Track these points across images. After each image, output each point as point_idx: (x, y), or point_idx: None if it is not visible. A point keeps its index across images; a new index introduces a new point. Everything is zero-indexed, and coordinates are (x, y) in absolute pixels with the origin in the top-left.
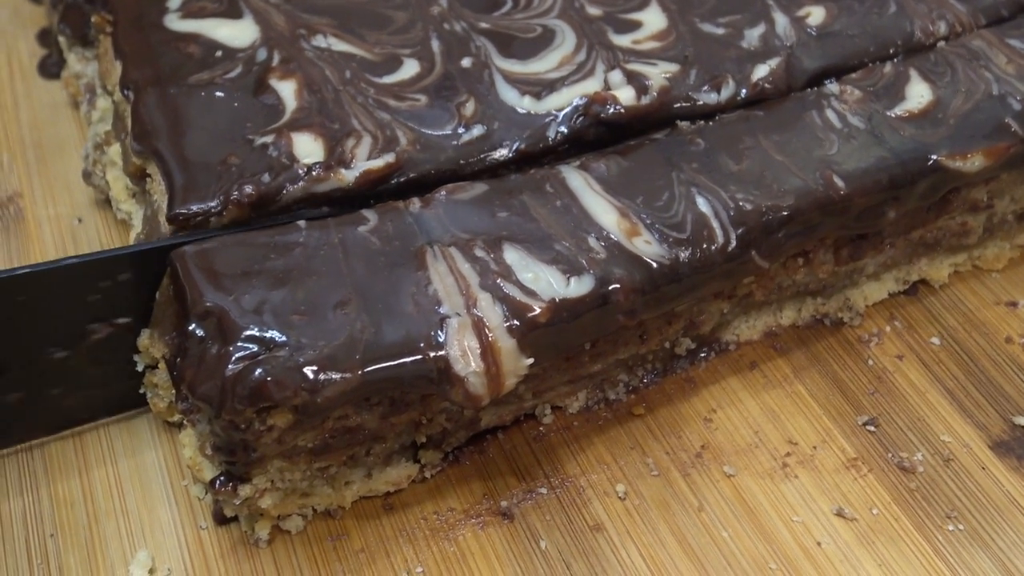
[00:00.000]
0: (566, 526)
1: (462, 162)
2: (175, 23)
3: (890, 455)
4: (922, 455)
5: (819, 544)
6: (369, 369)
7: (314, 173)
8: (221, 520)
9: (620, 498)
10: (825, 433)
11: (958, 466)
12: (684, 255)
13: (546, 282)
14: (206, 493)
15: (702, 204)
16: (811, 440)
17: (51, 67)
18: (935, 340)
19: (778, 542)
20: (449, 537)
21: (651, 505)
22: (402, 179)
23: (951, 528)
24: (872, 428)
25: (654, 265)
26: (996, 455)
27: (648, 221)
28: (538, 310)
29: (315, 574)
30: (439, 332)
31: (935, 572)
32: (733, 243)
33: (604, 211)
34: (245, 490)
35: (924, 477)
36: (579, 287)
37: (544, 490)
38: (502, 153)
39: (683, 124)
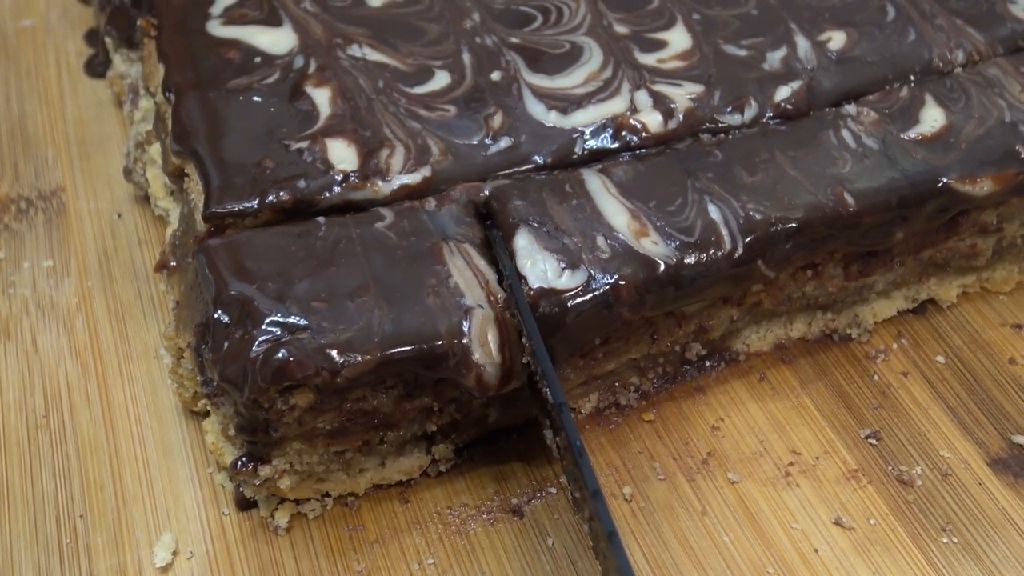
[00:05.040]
0: (573, 525)
1: (489, 176)
2: (217, 29)
3: (890, 468)
4: (921, 469)
5: (816, 551)
6: (388, 352)
7: (351, 181)
8: (243, 506)
9: (626, 500)
10: (828, 444)
11: (956, 481)
12: (690, 258)
13: (540, 271)
14: (229, 478)
15: (713, 211)
16: (814, 451)
17: (97, 67)
18: (940, 358)
19: (777, 548)
20: (460, 531)
21: (656, 508)
22: (435, 193)
23: (945, 540)
24: (874, 441)
25: (660, 264)
26: (993, 472)
27: (658, 223)
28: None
29: (331, 561)
30: (463, 321)
31: None
32: (740, 250)
33: (616, 212)
34: (265, 471)
35: (922, 490)
36: (571, 280)
37: (554, 490)
38: (529, 167)
39: (704, 136)
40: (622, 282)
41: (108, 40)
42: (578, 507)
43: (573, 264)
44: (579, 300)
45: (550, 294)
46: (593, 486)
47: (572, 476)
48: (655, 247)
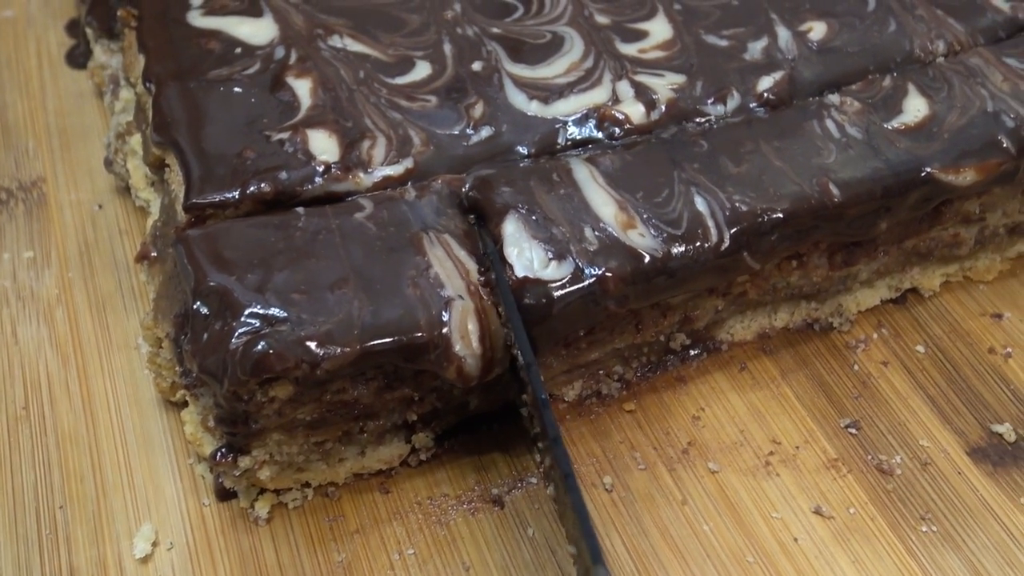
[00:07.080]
0: (553, 515)
1: (471, 167)
2: (197, 20)
3: (870, 457)
4: (901, 458)
5: (796, 540)
6: (368, 344)
7: (332, 172)
8: (223, 497)
9: (607, 490)
10: (808, 434)
11: (935, 470)
12: (677, 250)
13: (527, 259)
14: (210, 469)
15: (700, 203)
16: (794, 440)
17: (78, 57)
18: (920, 348)
19: (756, 537)
20: (441, 521)
21: (636, 497)
22: (416, 183)
23: (924, 529)
24: (854, 431)
25: (646, 257)
26: (972, 461)
27: (645, 215)
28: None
29: (311, 551)
30: (443, 312)
31: (907, 571)
32: (726, 242)
33: (604, 203)
34: (245, 461)
35: (901, 479)
36: (557, 271)
37: (534, 480)
38: (512, 157)
39: (689, 125)
40: (609, 275)
41: (89, 31)
42: (546, 472)
43: (560, 255)
44: (565, 292)
45: (535, 284)
46: (554, 433)
47: (539, 436)
48: (642, 239)
